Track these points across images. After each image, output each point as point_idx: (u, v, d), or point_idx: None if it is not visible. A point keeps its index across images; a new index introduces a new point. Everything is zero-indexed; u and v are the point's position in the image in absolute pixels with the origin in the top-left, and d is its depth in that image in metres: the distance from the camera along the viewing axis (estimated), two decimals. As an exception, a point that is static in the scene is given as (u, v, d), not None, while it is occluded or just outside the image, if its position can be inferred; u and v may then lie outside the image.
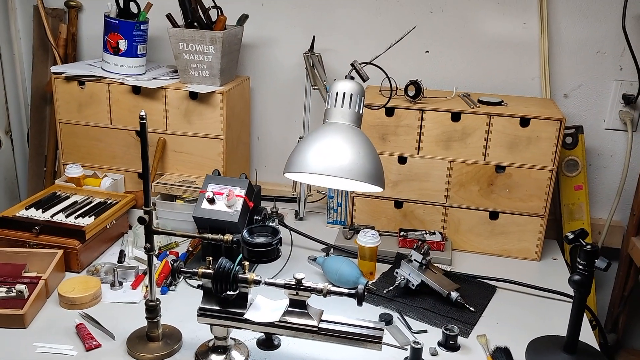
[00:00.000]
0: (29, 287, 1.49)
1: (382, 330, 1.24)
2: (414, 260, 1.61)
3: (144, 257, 1.72)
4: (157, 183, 1.91)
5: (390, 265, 1.76)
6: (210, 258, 1.29)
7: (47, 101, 2.25)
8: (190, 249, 1.77)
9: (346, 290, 1.25)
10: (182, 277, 1.25)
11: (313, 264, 1.75)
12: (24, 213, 1.75)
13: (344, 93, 1.35)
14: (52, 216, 1.74)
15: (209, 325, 1.31)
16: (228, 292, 1.27)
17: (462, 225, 1.85)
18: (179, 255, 1.76)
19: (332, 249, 1.79)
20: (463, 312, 1.54)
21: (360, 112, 1.37)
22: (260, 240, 1.21)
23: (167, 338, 1.38)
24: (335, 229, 1.97)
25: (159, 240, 1.82)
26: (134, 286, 1.60)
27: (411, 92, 1.79)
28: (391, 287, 1.60)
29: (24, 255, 1.62)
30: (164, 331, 1.38)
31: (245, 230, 1.23)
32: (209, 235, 1.27)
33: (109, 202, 1.86)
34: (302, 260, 1.77)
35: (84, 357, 1.33)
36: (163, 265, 1.68)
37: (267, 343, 1.31)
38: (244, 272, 1.28)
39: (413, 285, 1.59)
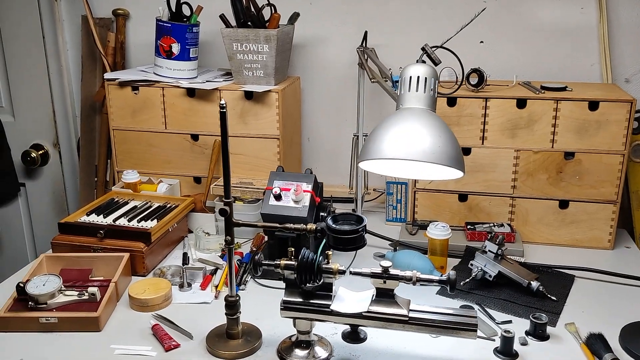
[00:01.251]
0: (100, 290, 1.46)
1: (476, 317, 1.19)
2: (489, 251, 1.56)
3: (209, 258, 1.70)
4: (215, 185, 1.89)
5: (459, 259, 1.71)
6: (292, 249, 1.26)
7: (96, 111, 2.25)
8: (254, 249, 1.74)
9: (437, 277, 1.20)
10: (260, 271, 1.21)
11: (381, 260, 1.70)
12: (85, 219, 1.73)
13: (418, 77, 1.31)
14: (114, 221, 1.71)
15: (287, 322, 1.27)
16: (311, 283, 1.24)
17: (530, 216, 1.79)
18: (243, 255, 1.73)
19: (398, 245, 1.74)
20: (545, 301, 1.48)
21: (435, 96, 1.34)
22: (346, 227, 1.17)
23: (247, 335, 1.34)
24: (395, 226, 1.93)
25: (219, 243, 1.79)
26: (203, 287, 1.57)
27: (474, 80, 1.75)
28: (467, 280, 1.55)
29: (90, 260, 1.60)
30: (243, 328, 1.34)
31: (329, 218, 1.19)
32: (292, 226, 1.23)
33: (167, 205, 1.84)
34: (367, 257, 1.73)
35: (163, 357, 1.29)
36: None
37: (353, 336, 1.27)
38: (327, 262, 1.24)
39: (490, 276, 1.54)
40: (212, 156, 1.94)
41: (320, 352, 1.29)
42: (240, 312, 1.32)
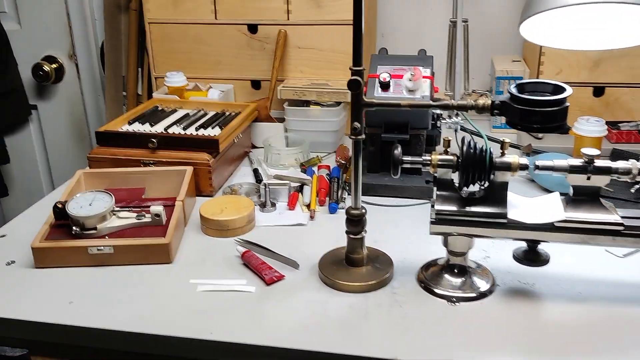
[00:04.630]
0: (166, 210, 1.10)
1: None
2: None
3: (287, 174, 1.33)
4: (284, 87, 1.51)
5: (604, 166, 1.35)
6: (450, 138, 0.89)
7: (122, 8, 1.83)
8: (342, 162, 1.37)
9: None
10: (399, 170, 0.85)
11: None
12: (128, 128, 1.36)
13: None
14: (165, 129, 1.34)
15: (417, 247, 0.92)
16: (480, 185, 0.88)
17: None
18: (331, 169, 1.36)
19: (530, 150, 1.37)
20: None
21: None
22: (545, 98, 0.80)
23: (373, 261, 0.99)
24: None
25: (295, 157, 1.42)
26: (291, 206, 1.21)
27: None
28: (637, 186, 1.19)
29: (142, 176, 1.23)
30: (367, 253, 0.99)
31: (512, 86, 0.82)
32: (442, 101, 0.86)
33: (227, 113, 1.46)
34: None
35: (266, 292, 0.95)
36: (317, 181, 1.28)
37: (533, 256, 0.91)
38: (502, 154, 0.87)
39: (667, 180, 1.17)
40: (275, 51, 1.55)
41: (479, 282, 0.94)
42: (366, 231, 0.97)
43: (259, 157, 1.46)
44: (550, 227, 0.87)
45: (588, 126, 1.24)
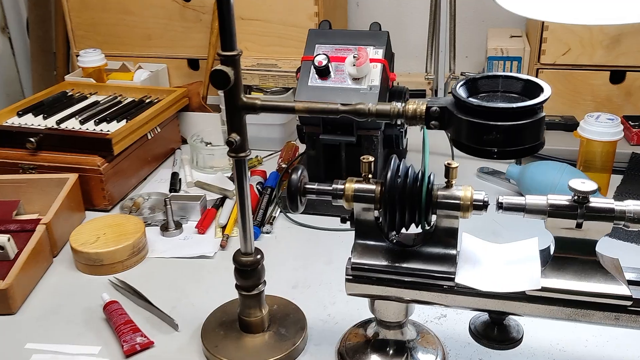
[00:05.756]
0: (18, 237, 0.83)
1: None
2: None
3: (213, 182, 1.06)
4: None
5: (621, 176, 1.03)
6: (371, 159, 0.59)
7: (49, -27, 1.55)
8: (283, 166, 1.08)
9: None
10: (303, 202, 0.56)
11: (492, 179, 1.04)
12: (15, 121, 1.08)
13: None
14: (58, 123, 1.06)
15: (363, 300, 0.64)
16: (420, 227, 0.59)
17: None
18: (267, 176, 1.08)
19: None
20: None
21: None
22: (507, 104, 0.49)
23: (278, 324, 0.71)
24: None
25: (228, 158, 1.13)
26: (202, 228, 0.93)
27: None
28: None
29: (15, 186, 0.96)
30: (270, 311, 0.71)
31: (459, 86, 0.52)
32: (369, 106, 0.55)
33: (147, 100, 1.17)
34: (466, 178, 1.07)
35: (121, 368, 0.67)
36: (244, 192, 0.99)
37: (497, 332, 0.62)
38: (449, 184, 0.58)
39: None
40: (212, 23, 1.25)
41: (425, 358, 0.65)
42: (264, 282, 0.68)
43: (185, 156, 1.17)
44: (521, 297, 0.57)
45: (598, 126, 0.93)
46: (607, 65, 1.13)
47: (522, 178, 0.96)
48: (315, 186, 0.61)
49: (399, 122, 0.54)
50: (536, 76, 1.16)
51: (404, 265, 0.60)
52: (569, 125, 1.11)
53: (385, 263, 0.60)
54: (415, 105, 0.54)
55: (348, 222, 0.62)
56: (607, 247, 0.57)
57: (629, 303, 0.55)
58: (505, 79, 0.53)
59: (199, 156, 1.13)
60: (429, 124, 0.54)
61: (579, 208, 0.55)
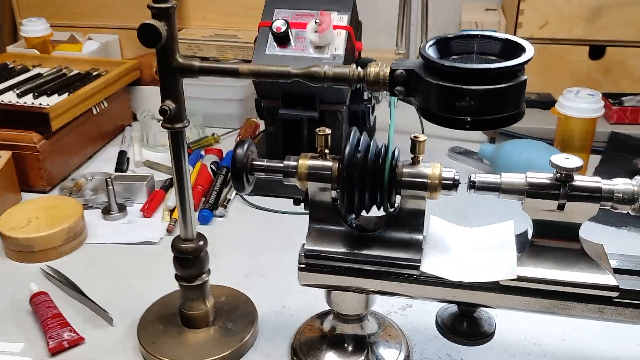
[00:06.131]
0: (-64, 221, 0.74)
1: None
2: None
3: (162, 161, 0.98)
4: (180, 40, 1.12)
5: (599, 157, 0.98)
6: (328, 131, 0.52)
7: None
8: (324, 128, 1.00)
9: None
10: (250, 182, 0.48)
11: (464, 159, 0.98)
12: (-56, 94, 0.98)
13: None
14: (-8, 96, 0.96)
15: (319, 291, 0.57)
16: (383, 209, 0.52)
17: None
18: (223, 155, 1.00)
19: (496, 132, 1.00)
20: None
21: None
22: (483, 65, 0.42)
23: (225, 318, 0.63)
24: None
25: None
26: (148, 211, 0.85)
27: None
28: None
29: (-59, 164, 0.86)
30: (217, 303, 0.63)
31: (429, 46, 0.44)
32: (326, 70, 0.48)
33: (94, 73, 1.08)
34: (436, 157, 1.00)
35: (45, 368, 0.59)
36: (197, 172, 0.92)
37: (466, 326, 0.55)
38: (415, 160, 0.50)
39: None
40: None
41: (387, 354, 0.58)
42: (208, 272, 0.60)
43: (136, 134, 1.09)
44: (493, 287, 0.50)
45: (577, 102, 0.87)
46: (586, 39, 1.07)
47: (496, 158, 0.89)
48: (264, 163, 0.54)
49: (365, 96, 0.47)
50: (512, 51, 1.10)
51: (364, 252, 0.53)
52: (546, 102, 1.05)
53: (342, 250, 0.53)
54: (378, 68, 0.46)
55: (302, 204, 0.55)
56: (588, 232, 0.51)
57: (615, 294, 0.48)
58: (482, 39, 0.46)
59: (150, 133, 1.05)
60: (394, 90, 0.46)
61: (561, 187, 0.48)
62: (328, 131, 0.52)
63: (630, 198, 0.47)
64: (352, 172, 0.49)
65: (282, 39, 0.81)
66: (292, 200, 0.55)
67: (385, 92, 0.47)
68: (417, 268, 0.51)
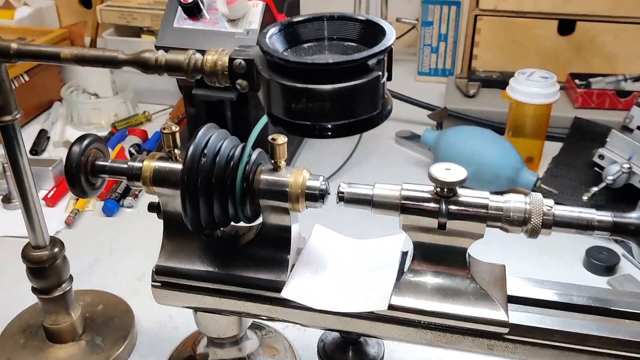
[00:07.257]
0: None
1: None
2: (638, 128, 0.74)
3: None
4: (107, 6, 1.03)
5: (560, 144, 0.88)
6: (174, 128, 0.44)
7: None
8: (171, 125, 0.92)
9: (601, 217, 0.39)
10: (96, 185, 0.40)
11: (410, 145, 0.89)
12: None
13: None
14: None
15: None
16: (234, 223, 0.44)
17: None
18: (147, 137, 0.92)
19: (444, 117, 0.90)
20: None
21: None
22: (319, 57, 0.34)
23: (95, 331, 0.56)
24: (435, 84, 1.09)
25: (115, 112, 0.97)
26: (52, 200, 0.77)
27: None
28: (595, 189, 0.73)
29: None
30: (91, 313, 0.56)
31: (270, 35, 0.36)
32: (157, 56, 0.39)
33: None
34: (382, 142, 0.92)
35: None
36: (116, 155, 0.84)
37: (354, 356, 0.48)
38: (276, 165, 0.42)
39: (644, 181, 0.72)
40: (103, -46, 1.07)
41: (268, 377, 0.51)
42: (70, 278, 0.53)
43: (62, 109, 1.01)
44: (368, 316, 0.43)
45: (529, 86, 0.77)
46: (554, 13, 0.97)
47: (438, 145, 0.81)
48: (107, 163, 0.46)
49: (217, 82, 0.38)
50: (474, 25, 1.00)
51: (223, 270, 0.45)
52: (507, 83, 0.96)
53: (198, 268, 0.45)
54: (217, 57, 0.38)
55: (156, 212, 0.47)
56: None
57: (505, 330, 0.41)
58: (331, 22, 0.37)
59: (76, 111, 0.97)
60: (235, 83, 0.38)
61: (442, 203, 0.40)
62: (175, 128, 0.44)
63: (521, 219, 0.39)
64: (194, 179, 0.41)
65: (191, 10, 0.72)
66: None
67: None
68: (278, 290, 0.43)
